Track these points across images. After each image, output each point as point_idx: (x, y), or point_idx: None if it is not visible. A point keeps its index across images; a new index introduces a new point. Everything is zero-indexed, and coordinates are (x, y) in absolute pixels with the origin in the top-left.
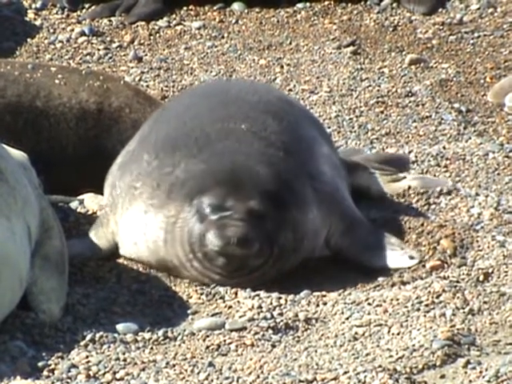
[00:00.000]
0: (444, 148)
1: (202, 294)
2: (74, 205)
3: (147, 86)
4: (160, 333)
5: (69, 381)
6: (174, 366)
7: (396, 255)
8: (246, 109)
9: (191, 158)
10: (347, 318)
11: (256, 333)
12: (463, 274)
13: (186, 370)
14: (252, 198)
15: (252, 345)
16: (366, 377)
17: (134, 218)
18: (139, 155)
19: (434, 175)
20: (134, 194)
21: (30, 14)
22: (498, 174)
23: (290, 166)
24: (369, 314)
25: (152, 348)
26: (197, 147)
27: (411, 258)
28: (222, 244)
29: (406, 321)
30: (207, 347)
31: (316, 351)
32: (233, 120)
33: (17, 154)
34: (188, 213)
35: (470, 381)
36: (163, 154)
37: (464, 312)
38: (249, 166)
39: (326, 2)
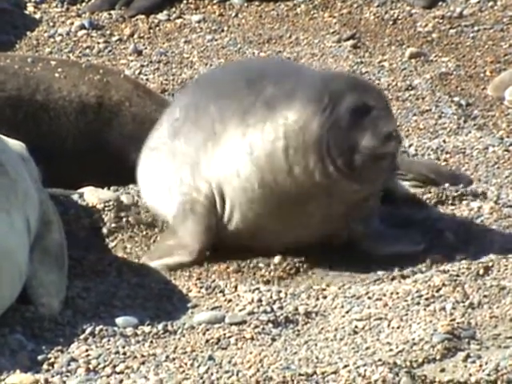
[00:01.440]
0: (444, 142)
1: (201, 287)
2: (74, 198)
3: (147, 80)
4: (160, 326)
5: (68, 374)
6: (173, 359)
7: (403, 242)
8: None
9: (274, 84)
10: (347, 312)
11: (256, 326)
12: (463, 267)
13: (186, 364)
14: (379, 95)
15: (252, 338)
16: (365, 370)
17: (230, 147)
18: (203, 112)
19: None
20: (215, 132)
21: (30, 8)
22: (498, 168)
23: None
24: (369, 307)
25: (152, 341)
26: (272, 81)
27: (418, 244)
28: (381, 143)
29: (406, 314)
30: (207, 341)
31: (316, 345)
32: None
33: (15, 144)
34: (326, 118)
35: (470, 374)
36: (236, 93)
37: (464, 306)
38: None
39: None
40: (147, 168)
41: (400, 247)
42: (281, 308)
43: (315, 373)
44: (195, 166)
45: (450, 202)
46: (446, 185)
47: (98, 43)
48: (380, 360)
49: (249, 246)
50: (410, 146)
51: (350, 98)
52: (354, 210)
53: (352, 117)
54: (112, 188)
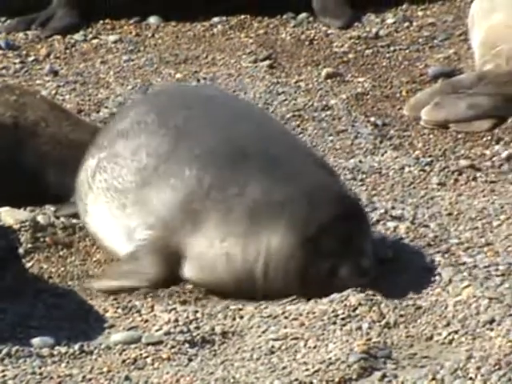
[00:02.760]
0: (360, 162)
1: (118, 307)
2: None
3: (63, 100)
4: (76, 347)
5: None
6: (90, 379)
7: None
8: (270, 126)
9: (261, 176)
10: (264, 332)
11: (172, 346)
12: (379, 287)
13: None
14: (364, 223)
15: (168, 358)
16: None
17: (206, 245)
18: (173, 169)
19: (351, 189)
20: (197, 217)
21: None
22: (414, 188)
23: None
24: (285, 327)
25: (68, 362)
26: (260, 163)
27: None
28: (359, 277)
29: (323, 334)
30: (123, 361)
31: (232, 365)
32: (273, 133)
33: None
34: (311, 249)
35: None
36: (215, 170)
37: (380, 325)
38: (339, 188)
39: (242, 16)
40: (107, 210)
41: None
42: (197, 328)
43: None
44: (169, 228)
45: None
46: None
47: (14, 63)
48: (296, 380)
49: None
50: None
51: (336, 229)
52: None
53: (336, 247)
54: (28, 208)
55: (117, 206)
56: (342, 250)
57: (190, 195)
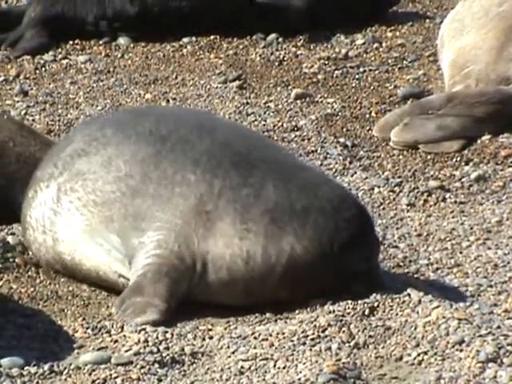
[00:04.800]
0: None
1: (87, 328)
2: None
3: (33, 120)
4: (46, 367)
5: None
6: None
7: None
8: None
9: (276, 179)
10: (233, 352)
11: (142, 367)
12: (349, 307)
13: None
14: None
15: (138, 379)
16: None
17: (224, 241)
18: (176, 176)
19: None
20: (209, 218)
21: None
22: (384, 209)
23: None
24: (255, 347)
25: (38, 382)
26: (272, 168)
27: None
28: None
29: (292, 355)
30: (93, 381)
31: None
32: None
33: None
34: (329, 262)
35: None
36: (223, 173)
37: (350, 346)
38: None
39: (212, 37)
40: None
41: None
42: (167, 348)
43: None
44: (182, 237)
45: None
46: None
47: None
48: None
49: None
50: None
51: (355, 252)
52: None
53: (351, 267)
54: None
55: (100, 220)
56: (358, 269)
57: (200, 198)
